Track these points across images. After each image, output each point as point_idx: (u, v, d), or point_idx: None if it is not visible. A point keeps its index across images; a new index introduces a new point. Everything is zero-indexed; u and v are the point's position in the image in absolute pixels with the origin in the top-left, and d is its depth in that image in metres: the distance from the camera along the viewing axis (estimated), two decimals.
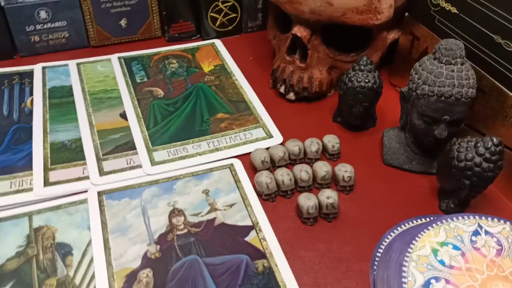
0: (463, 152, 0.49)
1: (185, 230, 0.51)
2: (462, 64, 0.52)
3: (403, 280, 0.42)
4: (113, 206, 0.53)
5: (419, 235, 0.46)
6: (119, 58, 0.75)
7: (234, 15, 0.81)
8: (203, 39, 0.81)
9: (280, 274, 0.48)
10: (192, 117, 0.65)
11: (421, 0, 0.62)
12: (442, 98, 0.51)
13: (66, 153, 0.59)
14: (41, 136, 0.61)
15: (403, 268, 0.43)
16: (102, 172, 0.56)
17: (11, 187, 0.54)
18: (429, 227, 0.46)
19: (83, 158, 0.58)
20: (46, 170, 0.56)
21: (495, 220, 0.47)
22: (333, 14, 0.61)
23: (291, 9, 0.62)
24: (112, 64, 0.73)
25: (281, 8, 0.65)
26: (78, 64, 0.73)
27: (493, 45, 0.53)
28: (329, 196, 0.52)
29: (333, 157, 0.60)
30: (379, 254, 0.50)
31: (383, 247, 0.50)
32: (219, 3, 0.79)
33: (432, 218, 0.52)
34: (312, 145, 0.59)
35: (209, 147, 0.61)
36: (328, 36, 0.65)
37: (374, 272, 0.48)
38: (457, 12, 0.57)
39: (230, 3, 0.79)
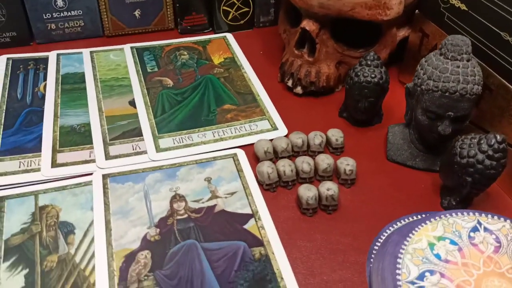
0: (466, 148, 0.49)
1: (185, 215, 0.52)
2: (468, 61, 0.51)
3: (397, 271, 0.42)
4: (117, 189, 0.54)
5: (416, 229, 0.46)
6: (131, 48, 0.76)
7: (247, 9, 0.82)
8: (215, 33, 0.82)
9: (276, 262, 0.48)
10: (199, 107, 0.66)
11: None
12: (447, 94, 0.51)
13: (75, 137, 0.60)
14: (51, 119, 0.62)
15: (398, 260, 0.43)
16: (108, 156, 0.58)
17: (19, 167, 0.56)
18: (427, 221, 0.46)
19: (91, 142, 0.59)
20: (54, 152, 0.58)
21: (495, 217, 0.47)
22: (342, 8, 0.61)
23: (300, 3, 0.63)
24: (125, 53, 0.75)
25: (291, 2, 0.65)
26: (91, 52, 0.75)
27: (501, 43, 0.53)
28: (329, 188, 0.52)
29: (337, 151, 0.60)
30: (376, 247, 0.50)
31: (381, 240, 0.50)
32: None
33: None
34: (316, 138, 0.59)
35: (214, 136, 0.61)
36: (337, 31, 0.65)
37: (370, 265, 0.48)
38: (466, 9, 0.57)
39: None
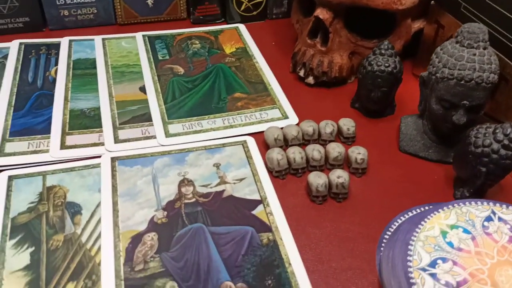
0: (481, 137, 0.48)
1: (193, 200, 0.52)
2: (484, 49, 0.50)
3: (408, 258, 0.41)
4: (125, 172, 0.54)
5: (428, 217, 0.45)
6: (143, 36, 0.76)
7: (260, 0, 0.81)
8: (228, 23, 0.82)
9: (284, 247, 0.47)
10: (209, 95, 0.65)
11: None
12: (462, 82, 0.50)
13: (84, 120, 0.60)
14: (61, 102, 0.62)
15: (409, 247, 0.42)
16: (117, 140, 0.57)
17: (28, 148, 0.56)
18: (440, 210, 0.45)
19: (100, 125, 0.59)
20: (63, 134, 0.58)
21: (510, 207, 0.45)
22: None
23: None
24: (136, 41, 0.75)
25: None
26: (103, 39, 0.75)
27: None
28: (339, 175, 0.52)
29: (348, 140, 0.59)
30: (387, 236, 0.49)
31: (391, 229, 0.49)
32: None
33: None
34: (327, 126, 0.58)
35: (224, 123, 0.61)
36: (351, 21, 0.65)
37: (381, 253, 0.47)
38: None
39: None
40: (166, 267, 0.45)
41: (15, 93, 0.63)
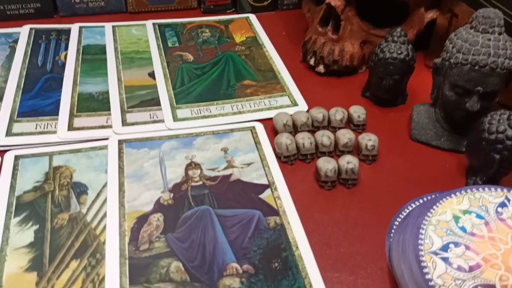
0: (495, 124, 0.47)
1: (200, 182, 0.51)
2: (499, 34, 0.49)
3: (420, 242, 0.40)
4: (132, 154, 0.53)
5: (440, 201, 0.43)
6: (153, 24, 0.76)
7: None
8: (238, 13, 0.81)
9: (291, 231, 0.46)
10: (218, 82, 0.65)
11: None
12: (476, 67, 0.49)
13: (93, 103, 0.60)
14: (70, 86, 0.62)
15: (421, 231, 0.41)
16: (125, 123, 0.57)
17: (36, 128, 0.55)
18: (452, 195, 0.44)
19: (108, 109, 0.59)
20: (71, 116, 0.57)
21: None
22: None
23: None
24: (146, 28, 0.75)
25: None
26: (113, 27, 0.74)
27: None
28: (349, 161, 0.51)
29: (358, 128, 0.58)
30: (397, 223, 0.48)
31: (402, 216, 0.48)
32: None
33: None
34: (337, 113, 0.57)
35: (233, 109, 0.60)
36: (363, 9, 0.64)
37: (390, 239, 0.46)
38: None
39: None
40: (171, 247, 0.44)
41: (24, 76, 0.63)
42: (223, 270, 0.43)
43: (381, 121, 0.60)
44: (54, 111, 0.58)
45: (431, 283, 0.37)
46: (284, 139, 0.53)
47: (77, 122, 0.57)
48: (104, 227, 0.46)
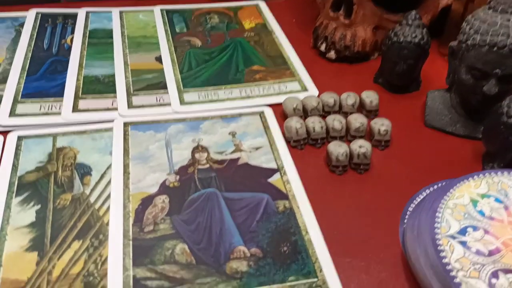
0: None
1: (207, 165, 0.49)
2: None
3: (436, 225, 0.38)
4: (138, 136, 0.52)
5: (457, 185, 0.42)
6: (161, 9, 0.75)
7: None
8: (247, 0, 0.80)
9: (301, 215, 0.45)
10: (227, 67, 0.63)
11: None
12: (495, 49, 0.47)
13: (98, 86, 0.58)
14: (76, 68, 0.61)
15: (437, 214, 0.39)
16: (130, 105, 0.55)
17: (40, 110, 0.54)
18: (470, 178, 0.42)
19: (114, 92, 0.57)
20: (76, 98, 0.56)
21: None
22: None
23: None
24: (154, 14, 0.73)
25: None
26: (121, 12, 0.73)
27: None
28: (361, 145, 0.49)
29: (371, 113, 0.56)
30: (411, 209, 0.46)
31: (416, 202, 0.46)
32: None
33: None
34: (349, 98, 0.56)
35: (241, 94, 0.59)
36: None
37: (404, 225, 0.44)
38: None
39: None
40: (176, 229, 0.43)
41: (29, 58, 0.62)
42: (230, 253, 0.41)
43: (394, 108, 0.58)
44: (59, 93, 0.57)
45: (449, 267, 0.35)
46: (294, 122, 0.52)
47: (82, 104, 0.55)
48: (108, 208, 0.44)
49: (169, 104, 0.56)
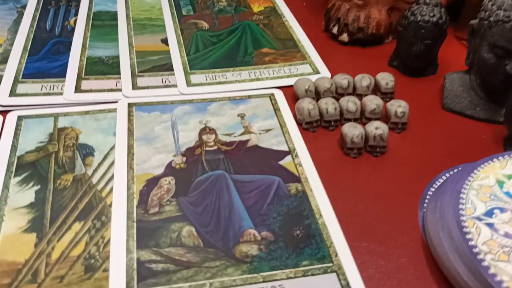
0: None
1: (215, 147, 0.47)
2: None
3: (461, 207, 0.36)
4: (142, 117, 0.50)
5: (482, 166, 0.39)
6: None
7: None
8: None
9: (314, 199, 0.42)
10: (235, 49, 0.61)
11: None
12: None
13: (102, 67, 0.56)
14: (79, 49, 0.59)
15: (461, 195, 0.37)
16: (135, 86, 0.53)
17: (41, 89, 0.52)
18: (495, 159, 0.40)
19: (118, 73, 0.55)
20: (79, 78, 0.54)
21: None
22: None
23: None
24: None
25: None
26: None
27: None
28: (378, 126, 0.46)
29: (386, 96, 0.54)
30: (430, 193, 0.43)
31: (436, 186, 0.44)
32: None
33: None
34: (363, 79, 0.53)
35: (250, 76, 0.56)
36: None
37: (424, 209, 0.42)
38: None
39: None
40: (183, 211, 0.40)
41: (31, 39, 0.60)
42: (240, 236, 0.39)
43: (410, 91, 0.56)
44: (61, 73, 0.54)
45: (476, 250, 0.33)
46: (306, 103, 0.49)
47: (85, 84, 0.53)
48: (111, 190, 0.42)
49: (175, 86, 0.54)
